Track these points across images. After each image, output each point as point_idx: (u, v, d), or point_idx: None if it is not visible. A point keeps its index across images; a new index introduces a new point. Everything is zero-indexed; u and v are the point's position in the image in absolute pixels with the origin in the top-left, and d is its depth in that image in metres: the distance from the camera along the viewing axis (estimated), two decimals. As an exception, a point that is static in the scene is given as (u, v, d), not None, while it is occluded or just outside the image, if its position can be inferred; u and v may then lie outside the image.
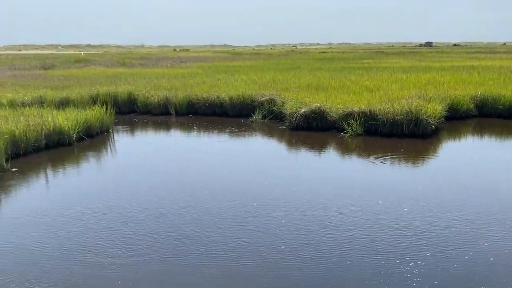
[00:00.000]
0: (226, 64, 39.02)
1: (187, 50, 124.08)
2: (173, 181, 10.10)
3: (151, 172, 10.97)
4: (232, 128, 16.41)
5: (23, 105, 17.64)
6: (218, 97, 19.02)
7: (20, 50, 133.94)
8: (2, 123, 12.72)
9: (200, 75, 27.66)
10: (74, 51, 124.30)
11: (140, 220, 7.77)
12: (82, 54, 75.35)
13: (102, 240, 6.99)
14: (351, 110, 15.09)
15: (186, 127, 17.12)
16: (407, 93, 17.07)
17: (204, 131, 16.20)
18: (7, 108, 16.11)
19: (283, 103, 17.20)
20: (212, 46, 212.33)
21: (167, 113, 19.51)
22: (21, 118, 13.60)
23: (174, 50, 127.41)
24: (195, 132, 16.08)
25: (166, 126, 17.56)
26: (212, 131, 16.17)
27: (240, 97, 18.74)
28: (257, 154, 12.80)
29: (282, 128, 16.19)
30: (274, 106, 17.74)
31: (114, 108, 16.80)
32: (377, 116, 14.69)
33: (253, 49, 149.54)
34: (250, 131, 15.90)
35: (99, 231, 7.33)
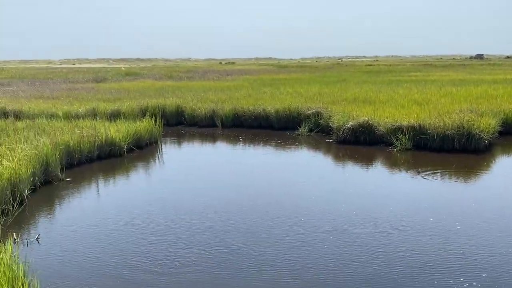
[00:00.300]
0: (272, 77, 39.19)
1: (232, 63, 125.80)
2: (219, 193, 10.19)
3: (197, 184, 11.11)
4: (278, 141, 16.43)
5: (77, 117, 18.37)
6: (264, 110, 19.11)
7: (74, 64, 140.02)
8: (58, 134, 13.27)
9: (246, 88, 27.89)
10: (124, 65, 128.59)
11: (187, 231, 7.87)
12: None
13: (150, 250, 7.13)
14: (399, 124, 14.79)
15: (232, 139, 17.28)
16: (458, 107, 16.56)
17: (250, 144, 16.31)
18: (63, 119, 16.79)
19: (330, 116, 17.08)
20: (257, 59, 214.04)
21: (213, 125, 19.79)
22: (76, 129, 14.14)
23: (220, 63, 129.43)
24: (241, 145, 16.21)
25: (213, 138, 17.80)
26: (258, 144, 16.26)
27: (286, 110, 18.76)
28: (304, 167, 12.73)
29: (329, 141, 16.06)
30: (320, 119, 17.64)
31: (162, 120, 17.21)
32: (426, 131, 14.34)
33: (298, 61, 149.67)
34: (296, 144, 15.87)
35: (147, 241, 7.48)
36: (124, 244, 7.43)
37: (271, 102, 20.05)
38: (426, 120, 14.65)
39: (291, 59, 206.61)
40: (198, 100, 21.78)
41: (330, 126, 16.48)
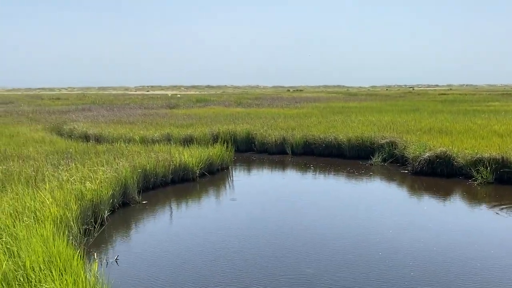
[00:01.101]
0: (341, 105, 38.87)
1: (300, 90, 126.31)
2: (290, 222, 10.11)
3: (268, 211, 11.11)
4: (350, 170, 16.14)
5: (153, 141, 19.12)
6: (335, 138, 18.90)
7: (148, 91, 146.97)
8: (136, 158, 13.86)
9: (316, 115, 27.82)
10: (195, 92, 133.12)
11: (257, 256, 7.84)
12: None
13: (222, 276, 7.14)
14: (480, 155, 14.04)
15: (303, 167, 17.21)
16: (547, 139, 15.47)
17: (320, 172, 16.16)
18: (139, 144, 17.55)
19: (405, 146, 16.57)
20: (326, 86, 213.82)
21: (283, 152, 19.82)
22: (152, 153, 14.70)
23: (288, 90, 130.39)
24: (312, 173, 16.09)
25: (282, 165, 17.82)
26: (329, 172, 16.08)
27: (359, 138, 18.44)
28: (378, 198, 12.40)
29: (404, 172, 15.55)
30: (395, 149, 17.16)
31: (233, 146, 17.49)
32: (511, 164, 13.49)
33: (368, 89, 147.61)
34: (370, 174, 15.52)
35: (220, 267, 7.51)
36: (197, 269, 7.50)
37: (343, 130, 19.81)
38: (510, 152, 13.80)
39: (360, 87, 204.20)
40: (268, 127, 21.96)
41: (405, 156, 15.98)
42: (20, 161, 12.92)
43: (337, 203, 11.98)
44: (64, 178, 10.72)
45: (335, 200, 12.32)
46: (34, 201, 8.86)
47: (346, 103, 41.88)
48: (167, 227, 10.24)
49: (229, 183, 14.93)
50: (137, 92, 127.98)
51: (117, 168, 12.22)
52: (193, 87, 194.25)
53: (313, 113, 30.02)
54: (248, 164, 18.33)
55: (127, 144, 17.05)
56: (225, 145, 16.82)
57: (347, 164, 17.34)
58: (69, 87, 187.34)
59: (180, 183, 14.24)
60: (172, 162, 14.21)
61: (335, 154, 18.86)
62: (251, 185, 14.82)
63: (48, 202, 8.78)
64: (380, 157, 17.29)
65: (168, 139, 19.86)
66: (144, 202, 12.00)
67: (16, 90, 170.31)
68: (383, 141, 17.81)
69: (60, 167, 12.07)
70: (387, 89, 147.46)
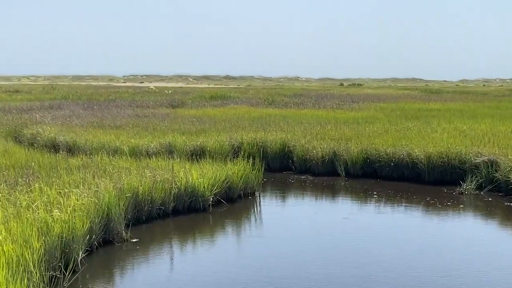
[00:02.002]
0: (418, 106, 38.50)
1: (359, 85, 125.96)
2: (341, 275, 9.98)
3: (308, 259, 11.02)
4: (430, 201, 15.92)
5: (148, 154, 19.25)
6: (408, 154, 18.68)
7: (142, 82, 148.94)
8: (124, 176, 13.96)
9: (380, 121, 27.61)
10: (208, 84, 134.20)
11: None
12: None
13: None
14: None
15: (361, 195, 17.06)
16: None
17: (387, 203, 16.00)
18: (129, 157, 17.70)
19: (511, 167, 16.28)
20: (395, 80, 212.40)
21: (333, 173, 19.69)
22: (146, 171, 14.80)
23: (341, 84, 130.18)
24: (374, 204, 15.94)
25: (332, 192, 17.63)
26: (399, 204, 15.91)
27: (443, 155, 18.17)
28: (469, 243, 12.22)
29: (510, 205, 15.27)
30: (496, 171, 16.86)
31: (262, 163, 17.46)
32: None
33: (456, 85, 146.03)
34: (459, 208, 15.32)
35: None
36: None
37: (419, 143, 19.58)
38: None
39: (445, 81, 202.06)
40: (312, 137, 21.88)
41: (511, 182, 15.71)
42: (-37, 178, 13.17)
43: (412, 251, 11.81)
44: (23, 203, 10.83)
45: (409, 247, 12.15)
46: (-19, 235, 8.97)
47: (425, 104, 41.44)
48: (165, 276, 10.21)
49: (255, 216, 14.82)
50: (127, 84, 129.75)
51: (96, 190, 12.31)
52: (206, 77, 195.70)
53: (376, 117, 29.77)
54: (283, 189, 18.19)
55: (111, 157, 17.21)
56: (250, 161, 16.80)
57: (426, 191, 17.10)
58: (32, 76, 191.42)
59: (185, 214, 14.26)
60: (175, 184, 14.24)
61: (409, 177, 18.62)
62: (287, 219, 14.69)
63: (0, 237, 8.88)
64: (474, 182, 16.99)
65: (169, 151, 19.96)
66: (134, 240, 12.03)
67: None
68: (478, 160, 17.50)
69: (17, 187, 12.23)
70: (484, 85, 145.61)
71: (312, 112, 33.18)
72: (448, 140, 19.92)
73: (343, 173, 19.51)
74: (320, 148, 20.23)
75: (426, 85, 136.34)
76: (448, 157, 18.19)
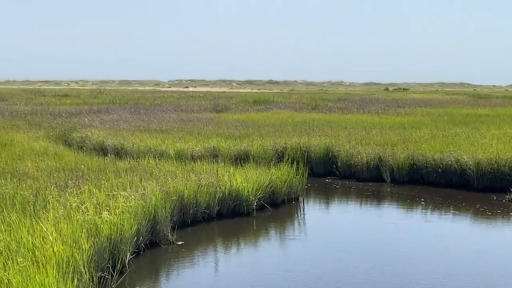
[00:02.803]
0: (466, 112, 37.95)
1: (404, 89, 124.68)
2: (387, 285, 9.92)
3: (352, 265, 10.98)
4: (480, 209, 15.73)
5: (193, 158, 19.50)
6: (457, 160, 18.45)
7: (187, 87, 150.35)
8: (169, 180, 14.18)
9: (427, 126, 27.33)
10: (252, 89, 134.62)
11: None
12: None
13: None
14: None
15: (408, 202, 16.96)
16: None
17: (434, 210, 15.87)
18: (174, 161, 17.95)
19: None
20: (442, 84, 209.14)
21: (378, 179, 19.58)
22: (191, 175, 14.99)
23: (386, 89, 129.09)
24: (421, 211, 15.82)
25: (377, 198, 17.56)
26: (447, 211, 15.77)
27: (493, 162, 17.90)
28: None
29: (561, 213, 14.96)
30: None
31: (306, 168, 17.48)
32: None
33: (506, 90, 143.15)
34: (509, 215, 15.12)
35: None
36: None
37: (468, 149, 19.32)
38: None
39: (494, 86, 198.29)
40: (356, 142, 21.80)
41: None
42: (15, 180, 13.57)
43: (460, 260, 11.70)
44: (73, 205, 11.12)
45: (457, 256, 12.05)
46: (32, 236, 9.25)
47: (473, 109, 40.80)
48: (210, 278, 10.33)
49: (299, 220, 14.89)
50: (172, 89, 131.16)
51: (143, 193, 12.54)
52: (249, 82, 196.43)
53: (423, 122, 29.49)
54: (327, 195, 18.20)
55: (157, 161, 17.48)
56: (294, 166, 16.85)
57: (475, 199, 16.86)
58: (80, 80, 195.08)
59: (229, 218, 14.42)
60: (220, 188, 14.41)
61: (457, 184, 18.39)
62: (330, 225, 14.73)
63: (51, 238, 9.13)
64: (526, 189, 16.68)
65: (214, 155, 20.16)
66: (179, 242, 12.22)
67: (10, 83, 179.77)
68: (530, 167, 17.16)
69: (67, 189, 12.55)
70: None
71: (357, 117, 33.03)
72: (497, 146, 19.62)
73: (389, 179, 19.39)
74: (365, 153, 20.14)
75: (474, 90, 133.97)
76: (498, 163, 17.92)
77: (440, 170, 18.73)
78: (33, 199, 11.53)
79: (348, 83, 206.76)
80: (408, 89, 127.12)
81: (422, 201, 16.85)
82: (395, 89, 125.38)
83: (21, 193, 11.97)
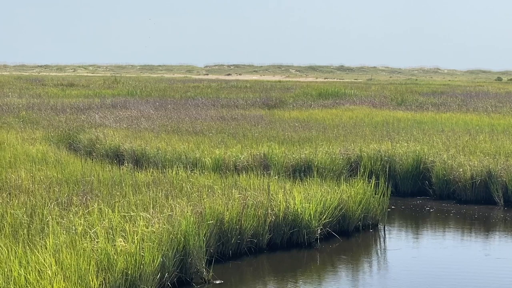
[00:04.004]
0: None
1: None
2: None
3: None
4: None
5: (236, 169, 19.52)
6: None
7: (229, 75, 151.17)
8: (205, 198, 14.22)
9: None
10: (316, 78, 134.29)
11: None
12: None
13: None
14: None
15: (526, 232, 16.63)
16: None
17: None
18: (212, 172, 18.00)
19: None
20: None
21: (487, 200, 19.30)
22: (234, 192, 15.00)
23: (498, 79, 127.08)
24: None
25: (485, 227, 17.36)
26: None
27: None
28: None
29: None
30: None
31: (389, 184, 17.33)
32: None
33: None
34: None
35: None
36: None
37: None
38: None
39: None
40: (457, 150, 21.51)
41: None
42: (4, 195, 13.79)
43: None
44: (79, 229, 11.23)
45: None
46: (25, 269, 9.36)
47: None
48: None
49: (378, 255, 14.78)
50: (210, 76, 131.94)
51: (170, 215, 12.60)
52: (313, 68, 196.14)
53: (549, 125, 28.89)
54: (416, 221, 18.05)
55: (189, 172, 17.57)
56: (372, 181, 16.72)
57: None
58: (90, 65, 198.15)
59: (284, 250, 14.40)
60: (272, 210, 14.38)
61: None
62: (421, 262, 14.58)
63: (49, 272, 9.24)
64: None
65: (264, 165, 20.14)
66: (217, 281, 12.27)
67: (1, 68, 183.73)
68: None
69: (71, 208, 12.69)
70: None
71: (458, 117, 32.61)
72: None
73: (501, 201, 19.06)
74: (469, 165, 19.84)
75: None
76: None
77: None
78: (27, 220, 11.69)
79: (446, 71, 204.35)
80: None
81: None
82: (511, 79, 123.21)
83: (12, 212, 12.15)
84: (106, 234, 11.10)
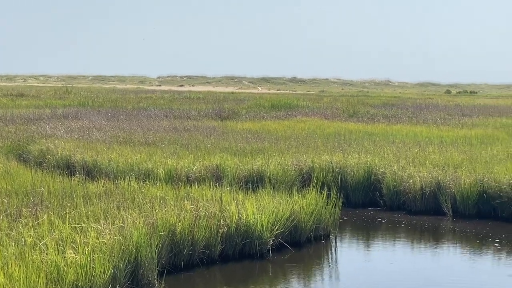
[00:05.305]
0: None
1: (472, 92, 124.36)
2: None
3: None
4: None
5: (189, 180, 19.45)
6: (542, 187, 18.33)
7: (182, 86, 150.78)
8: (157, 209, 14.15)
9: (502, 141, 27.23)
10: (269, 90, 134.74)
11: None
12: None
13: None
14: None
15: (477, 244, 16.92)
16: None
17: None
18: (165, 183, 17.91)
19: None
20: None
21: (436, 211, 19.47)
22: (186, 203, 14.95)
23: (448, 91, 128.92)
24: (494, 255, 15.77)
25: (434, 238, 17.50)
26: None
27: None
28: None
29: None
30: None
31: (340, 195, 17.42)
32: None
33: None
34: None
35: None
36: None
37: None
38: None
39: None
40: (407, 162, 21.70)
41: None
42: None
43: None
44: (28, 240, 11.07)
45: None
46: (-27, 281, 9.21)
47: None
48: None
49: (329, 266, 14.82)
50: (163, 87, 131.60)
51: (122, 226, 12.51)
52: (266, 80, 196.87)
53: (496, 136, 29.36)
54: (367, 232, 18.16)
55: (142, 183, 17.47)
56: (324, 192, 16.78)
57: None
58: (41, 75, 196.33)
59: (236, 261, 14.35)
60: (224, 221, 14.35)
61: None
62: (371, 273, 14.63)
63: (-2, 284, 9.09)
64: None
65: (217, 176, 20.12)
66: (169, 293, 12.17)
67: None
68: None
69: (21, 220, 12.52)
70: None
71: (408, 129, 32.95)
72: None
73: (450, 211, 19.25)
74: (419, 177, 20.03)
75: None
76: None
77: (521, 201, 18.63)
78: (-25, 232, 11.52)
79: (397, 83, 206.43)
80: (476, 92, 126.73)
81: (496, 242, 16.75)
82: (459, 92, 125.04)
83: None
84: (56, 246, 10.99)
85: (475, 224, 18.46)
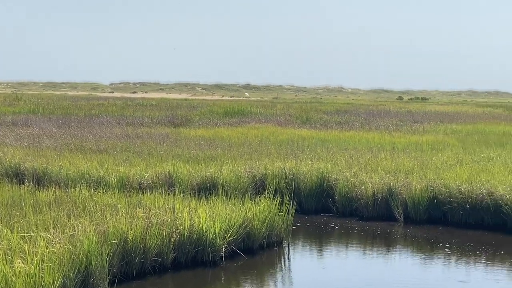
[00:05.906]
0: (503, 129, 38.32)
1: (423, 99, 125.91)
2: None
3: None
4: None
5: (141, 187, 19.35)
6: (490, 193, 18.60)
7: (134, 92, 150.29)
8: (108, 218, 14.03)
9: (452, 147, 27.54)
10: (222, 96, 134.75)
11: None
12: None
13: None
14: None
15: (427, 249, 17.03)
16: None
17: (461, 258, 15.94)
18: (116, 191, 17.78)
19: None
20: (472, 93, 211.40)
21: (388, 217, 19.60)
22: (138, 210, 14.86)
23: (400, 98, 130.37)
24: (444, 260, 15.88)
25: (386, 244, 17.61)
26: (478, 260, 15.81)
27: (537, 195, 18.02)
28: None
29: None
30: None
31: (294, 202, 17.44)
32: None
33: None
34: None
35: None
36: None
37: (505, 180, 19.46)
38: None
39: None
40: (359, 168, 21.84)
41: None
42: None
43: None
44: (-24, 250, 10.91)
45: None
46: None
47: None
48: None
49: (282, 273, 14.82)
50: (115, 94, 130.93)
51: (72, 235, 12.38)
52: (219, 87, 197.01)
53: (446, 142, 29.71)
54: (320, 238, 18.20)
55: (93, 191, 17.33)
56: (277, 199, 16.79)
57: (514, 245, 17.00)
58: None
59: (189, 269, 14.30)
60: (176, 229, 14.29)
61: (490, 225, 18.54)
62: (324, 279, 14.67)
63: None
64: None
65: (169, 184, 20.05)
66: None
67: None
68: None
69: (-31, 229, 12.32)
70: None
71: (361, 135, 33.18)
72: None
73: (401, 217, 19.39)
74: (371, 183, 20.16)
75: (510, 102, 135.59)
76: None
77: (468, 206, 18.85)
78: None
79: (350, 90, 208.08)
80: (427, 99, 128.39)
81: (447, 247, 16.89)
82: (411, 99, 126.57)
83: None
84: (4, 256, 10.84)
85: (426, 229, 18.63)
